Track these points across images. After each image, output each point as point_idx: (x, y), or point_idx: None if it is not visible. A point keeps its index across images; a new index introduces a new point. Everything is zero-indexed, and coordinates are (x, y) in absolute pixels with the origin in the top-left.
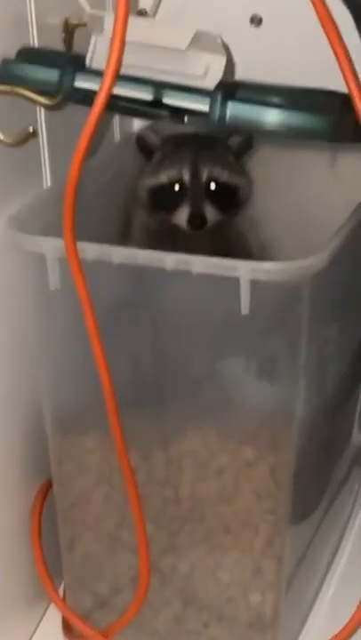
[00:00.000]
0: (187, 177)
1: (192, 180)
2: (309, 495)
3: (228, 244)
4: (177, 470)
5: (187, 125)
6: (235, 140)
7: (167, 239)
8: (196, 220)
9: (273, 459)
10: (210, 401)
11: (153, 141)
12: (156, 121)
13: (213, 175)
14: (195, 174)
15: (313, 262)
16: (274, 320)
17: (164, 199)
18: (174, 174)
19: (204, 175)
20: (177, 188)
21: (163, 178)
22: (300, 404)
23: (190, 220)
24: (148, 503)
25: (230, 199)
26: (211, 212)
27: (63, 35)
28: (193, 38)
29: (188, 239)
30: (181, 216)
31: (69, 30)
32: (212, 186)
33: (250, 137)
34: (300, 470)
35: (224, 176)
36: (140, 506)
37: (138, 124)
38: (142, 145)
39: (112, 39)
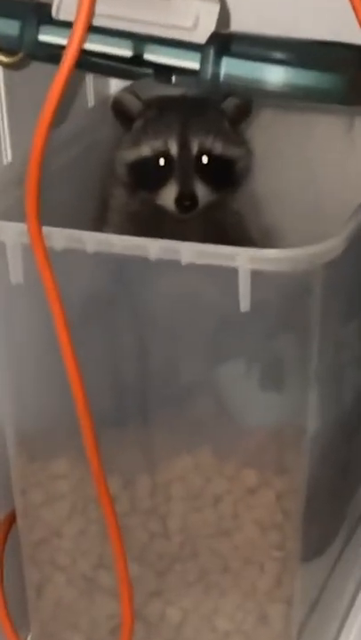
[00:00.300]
0: (174, 149)
1: (180, 152)
2: (324, 527)
3: (223, 228)
4: (165, 499)
5: (174, 86)
6: (230, 104)
7: (151, 223)
8: (186, 200)
9: (280, 483)
10: (204, 415)
11: (133, 106)
12: (137, 82)
13: (205, 146)
14: (183, 145)
15: (326, 249)
16: (279, 318)
17: (146, 176)
18: (159, 146)
19: (195, 146)
20: (162, 162)
21: (145, 150)
22: (311, 417)
23: (178, 200)
24: (131, 538)
25: (226, 175)
26: (203, 191)
27: None
28: None
29: (176, 223)
30: (168, 196)
31: None
32: (204, 159)
33: (248, 100)
34: (312, 497)
35: (218, 147)
36: (121, 541)
37: (115, 86)
38: (120, 110)
39: None
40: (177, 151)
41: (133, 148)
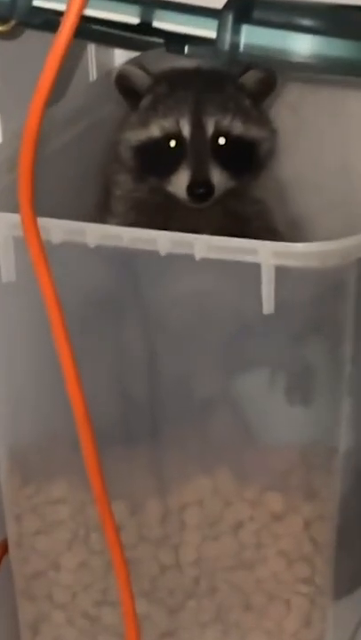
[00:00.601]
0: (186, 129)
1: (193, 133)
2: (358, 559)
3: (243, 218)
4: (178, 526)
5: (186, 57)
6: (251, 78)
7: (160, 213)
8: (199, 187)
9: (308, 509)
10: (222, 432)
11: (140, 81)
12: (145, 53)
13: (223, 126)
14: (197, 125)
15: (360, 242)
16: (308, 321)
17: (155, 160)
18: (170, 126)
19: (210, 126)
20: (173, 144)
21: (154, 131)
22: (344, 434)
23: (191, 188)
24: (139, 571)
25: (246, 158)
26: (219, 177)
27: None
28: None
29: (190, 214)
30: (179, 183)
31: None
32: (221, 141)
33: (272, 73)
34: (344, 525)
35: (237, 127)
36: (127, 575)
37: (120, 58)
38: (125, 86)
39: None
40: (190, 132)
41: (140, 128)
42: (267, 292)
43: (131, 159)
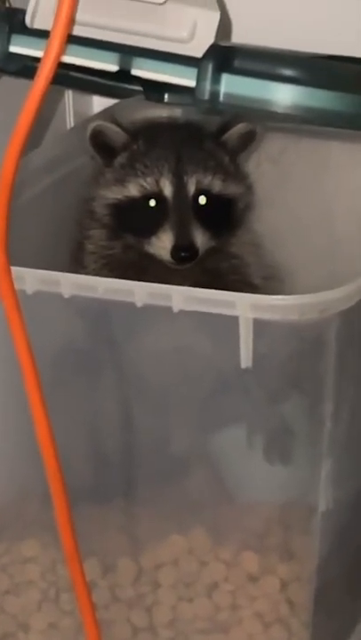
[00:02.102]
0: (168, 189)
1: (175, 192)
2: (337, 622)
3: (220, 274)
4: (152, 587)
5: (165, 105)
6: (232, 136)
7: (135, 270)
8: (184, 251)
9: (286, 570)
10: (198, 490)
11: (115, 137)
12: (120, 101)
13: (203, 185)
14: (178, 185)
15: (341, 295)
16: (286, 376)
17: (133, 219)
18: (150, 186)
19: (192, 186)
20: (153, 203)
21: (132, 190)
22: (323, 493)
23: (175, 251)
24: (111, 633)
25: (225, 216)
26: (202, 238)
27: None
28: None
29: (165, 271)
30: (162, 244)
31: None
32: (202, 200)
33: (252, 129)
34: (323, 586)
35: (217, 185)
36: (98, 636)
37: (98, 105)
38: (100, 142)
39: None
40: (171, 192)
41: (117, 186)
42: (245, 345)
43: (106, 216)
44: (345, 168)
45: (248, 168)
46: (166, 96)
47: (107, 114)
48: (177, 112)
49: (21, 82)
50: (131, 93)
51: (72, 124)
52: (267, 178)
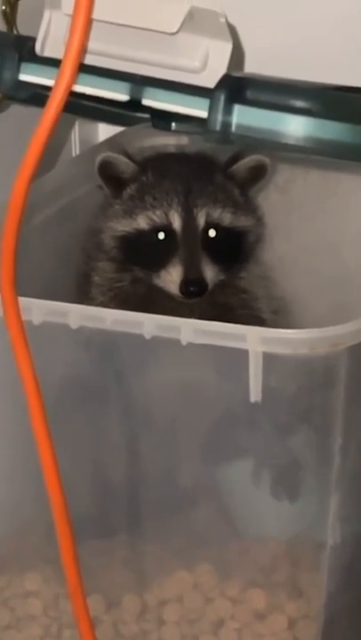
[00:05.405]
0: (177, 222)
1: (184, 226)
2: None
3: (229, 307)
4: (157, 623)
5: (173, 132)
6: (241, 167)
7: (142, 304)
8: (194, 285)
9: (293, 608)
10: (205, 526)
11: (124, 168)
12: (125, 129)
13: (213, 218)
14: (188, 218)
15: (351, 329)
16: (296, 410)
17: (142, 251)
18: (159, 218)
19: (202, 219)
20: (162, 236)
21: (141, 223)
22: (331, 530)
23: (185, 285)
24: None
25: (235, 249)
26: (211, 272)
27: (3, 8)
28: (186, 17)
29: (174, 304)
30: (170, 278)
31: (11, 2)
32: (212, 233)
33: (263, 162)
34: (332, 624)
35: (227, 218)
36: None
37: (104, 133)
38: (108, 173)
39: (73, 16)
40: (181, 225)
41: (126, 218)
42: (254, 379)
43: (114, 248)
44: (354, 197)
45: (257, 199)
46: (174, 124)
47: (113, 142)
48: (183, 140)
49: (30, 110)
50: (137, 121)
51: (77, 152)
52: (275, 207)
